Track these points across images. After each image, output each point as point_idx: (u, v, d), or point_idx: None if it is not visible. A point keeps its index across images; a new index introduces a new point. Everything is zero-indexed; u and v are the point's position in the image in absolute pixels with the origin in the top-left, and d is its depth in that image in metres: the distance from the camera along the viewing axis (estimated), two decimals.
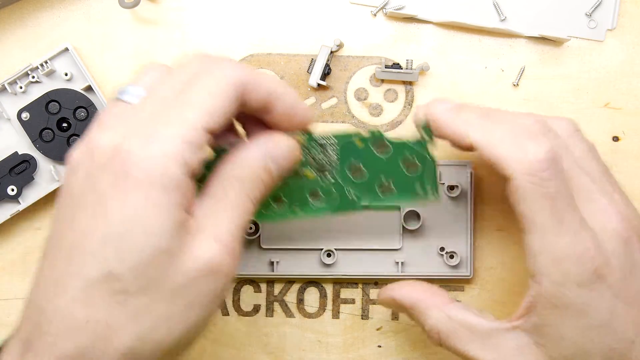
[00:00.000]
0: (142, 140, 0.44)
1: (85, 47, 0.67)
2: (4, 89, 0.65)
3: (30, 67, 0.64)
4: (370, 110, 0.68)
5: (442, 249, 0.65)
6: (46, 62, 0.64)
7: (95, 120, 0.49)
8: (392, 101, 0.68)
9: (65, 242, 0.45)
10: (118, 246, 0.43)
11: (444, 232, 0.65)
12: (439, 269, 0.65)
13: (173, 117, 0.45)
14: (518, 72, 0.68)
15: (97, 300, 0.43)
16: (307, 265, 0.66)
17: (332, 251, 0.65)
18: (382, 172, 0.54)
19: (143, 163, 0.44)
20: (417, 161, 0.54)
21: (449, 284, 0.66)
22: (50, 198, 0.67)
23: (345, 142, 0.54)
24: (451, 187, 0.64)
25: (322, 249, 0.65)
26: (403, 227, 0.64)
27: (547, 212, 0.48)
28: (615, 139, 0.68)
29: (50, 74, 0.65)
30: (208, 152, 0.48)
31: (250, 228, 0.64)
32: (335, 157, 0.54)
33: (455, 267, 0.65)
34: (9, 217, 0.65)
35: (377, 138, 0.55)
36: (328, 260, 0.65)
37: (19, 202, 0.65)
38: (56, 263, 0.45)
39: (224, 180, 0.47)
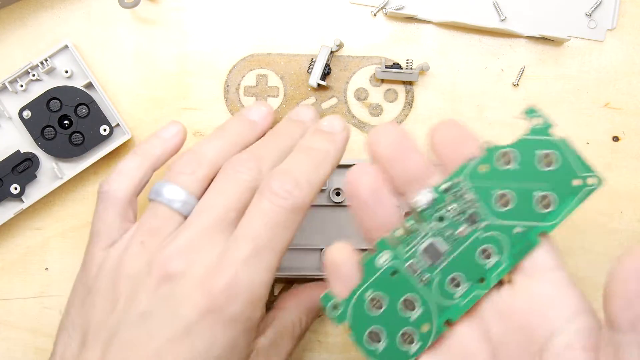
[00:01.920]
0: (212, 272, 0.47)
1: (85, 46, 0.67)
2: (4, 88, 0.65)
3: (31, 65, 0.64)
4: (370, 110, 0.68)
5: None
6: (46, 60, 0.64)
7: (141, 223, 0.52)
8: (392, 101, 0.68)
9: None
10: None
11: None
12: None
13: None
14: (518, 72, 0.68)
15: None
16: (307, 265, 0.65)
17: None
18: (527, 186, 0.43)
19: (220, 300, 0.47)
20: (550, 151, 0.44)
21: None
22: (51, 197, 0.67)
23: (469, 175, 0.43)
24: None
25: (322, 249, 0.64)
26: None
27: None
28: (615, 139, 0.68)
29: (50, 71, 0.65)
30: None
31: None
32: (474, 197, 0.43)
33: None
34: (12, 215, 0.65)
35: (496, 151, 0.44)
36: None
37: (22, 201, 0.65)
38: None
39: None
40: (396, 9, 0.67)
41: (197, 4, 0.68)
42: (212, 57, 0.68)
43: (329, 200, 0.64)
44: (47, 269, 0.68)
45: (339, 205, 0.64)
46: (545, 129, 0.44)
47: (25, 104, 0.64)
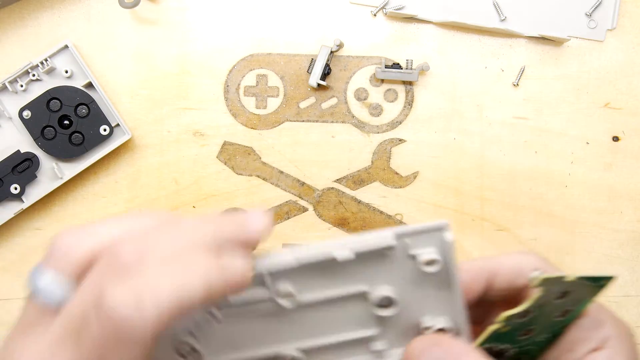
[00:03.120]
0: None
1: (85, 46, 0.67)
2: (4, 88, 0.65)
3: (31, 65, 0.64)
4: (370, 110, 0.68)
5: (427, 328, 0.46)
6: (46, 60, 0.64)
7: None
8: (392, 101, 0.68)
9: None
10: None
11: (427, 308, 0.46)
12: None
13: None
14: (518, 72, 0.68)
15: None
16: None
17: (296, 357, 0.46)
18: (550, 319, 0.46)
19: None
20: (565, 290, 0.44)
21: None
22: (51, 197, 0.67)
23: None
24: (429, 263, 0.44)
25: (285, 357, 0.46)
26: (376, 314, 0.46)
27: None
28: (615, 139, 0.68)
29: (50, 71, 0.65)
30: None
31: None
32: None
33: None
34: (13, 215, 0.65)
35: (513, 319, 0.45)
36: None
37: (22, 201, 0.65)
38: None
39: None
40: (396, 9, 0.67)
41: (197, 4, 0.68)
42: (212, 57, 0.68)
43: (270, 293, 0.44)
44: None
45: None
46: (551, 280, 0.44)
47: (25, 104, 0.64)
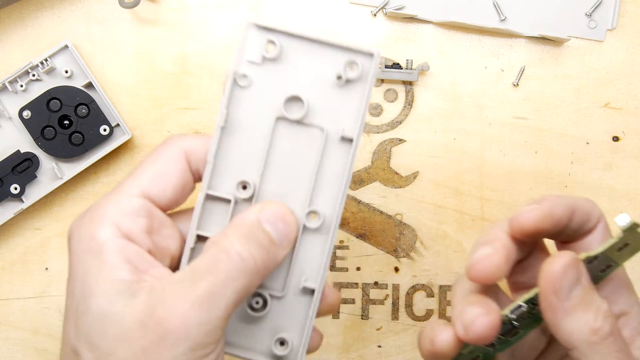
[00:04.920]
0: (81, 216, 0.46)
1: (85, 46, 0.67)
2: (4, 88, 0.65)
3: (31, 65, 0.64)
4: (370, 110, 0.68)
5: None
6: (46, 60, 0.64)
7: None
8: (392, 101, 0.68)
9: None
10: (75, 318, 0.43)
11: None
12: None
13: (113, 191, 0.46)
14: (518, 72, 0.68)
15: None
16: None
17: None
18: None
19: (76, 233, 0.45)
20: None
21: None
22: (51, 197, 0.67)
23: None
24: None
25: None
26: None
27: None
28: (615, 139, 0.68)
29: (50, 71, 0.65)
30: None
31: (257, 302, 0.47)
32: None
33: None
34: (12, 215, 0.65)
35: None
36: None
37: (22, 201, 0.65)
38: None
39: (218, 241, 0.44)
40: (396, 9, 0.67)
41: (197, 4, 0.68)
42: (212, 57, 0.68)
43: None
44: (47, 269, 0.68)
45: None
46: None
47: (25, 104, 0.64)
